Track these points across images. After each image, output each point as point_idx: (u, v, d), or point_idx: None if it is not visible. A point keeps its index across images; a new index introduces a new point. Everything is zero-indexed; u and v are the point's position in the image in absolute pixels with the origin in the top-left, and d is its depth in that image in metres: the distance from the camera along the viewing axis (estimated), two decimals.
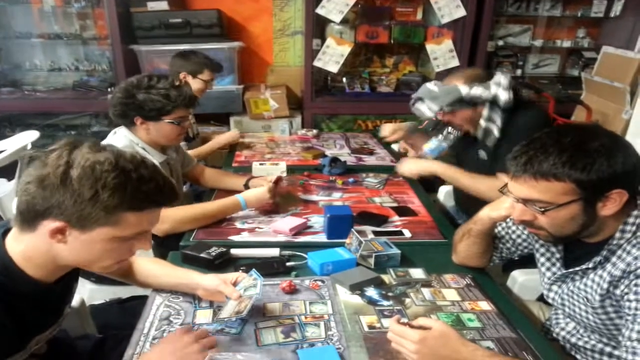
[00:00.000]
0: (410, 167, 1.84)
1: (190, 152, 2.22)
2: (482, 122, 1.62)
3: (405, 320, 0.96)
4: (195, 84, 2.29)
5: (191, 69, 2.31)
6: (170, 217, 1.48)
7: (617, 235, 0.95)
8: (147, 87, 1.54)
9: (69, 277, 0.93)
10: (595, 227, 0.95)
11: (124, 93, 1.54)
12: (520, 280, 1.45)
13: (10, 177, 2.28)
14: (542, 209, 0.94)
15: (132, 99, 1.53)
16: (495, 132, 1.62)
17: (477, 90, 1.58)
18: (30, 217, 0.79)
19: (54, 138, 3.12)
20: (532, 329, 1.08)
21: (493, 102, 1.59)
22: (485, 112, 1.60)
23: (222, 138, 2.48)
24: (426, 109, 1.67)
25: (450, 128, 1.78)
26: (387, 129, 2.23)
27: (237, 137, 2.54)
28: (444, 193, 2.16)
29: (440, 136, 1.84)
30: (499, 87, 1.58)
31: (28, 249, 0.83)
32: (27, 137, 2.32)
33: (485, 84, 1.60)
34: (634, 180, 0.93)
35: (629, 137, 2.50)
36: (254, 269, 1.12)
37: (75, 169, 0.76)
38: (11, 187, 2.25)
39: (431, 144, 1.86)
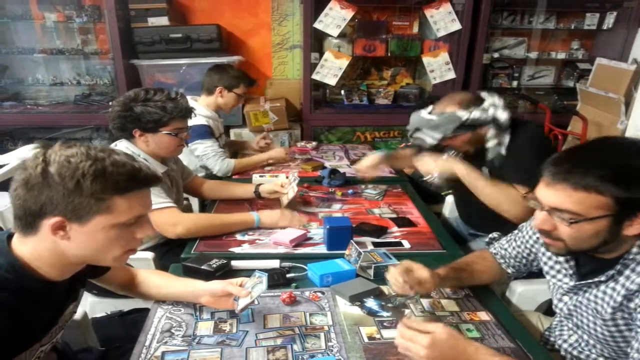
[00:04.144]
0: (429, 164, 1.65)
1: (231, 160, 2.28)
2: (490, 143, 1.62)
3: (414, 318, 0.98)
4: (230, 97, 2.39)
5: (228, 83, 2.38)
6: (186, 221, 1.53)
7: (634, 250, 0.94)
8: (144, 100, 1.57)
9: (75, 277, 0.95)
10: (614, 244, 0.95)
11: (122, 106, 1.57)
12: (519, 291, 1.46)
13: None
14: (571, 221, 0.92)
15: (130, 111, 1.56)
16: (503, 151, 1.62)
17: (476, 114, 1.60)
18: (29, 220, 0.82)
19: None
20: (531, 339, 1.08)
21: (495, 122, 1.60)
22: (490, 132, 1.61)
23: (268, 155, 2.42)
24: (428, 138, 1.64)
25: (451, 151, 1.76)
26: (362, 168, 1.99)
27: (284, 158, 2.42)
28: (449, 207, 2.14)
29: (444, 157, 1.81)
30: (497, 109, 1.61)
31: (36, 250, 0.85)
32: (29, 151, 2.33)
33: (481, 107, 1.61)
34: None
35: None
36: (257, 270, 1.15)
37: (52, 165, 0.80)
38: None
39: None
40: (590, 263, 1.04)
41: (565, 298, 1.10)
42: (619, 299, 0.95)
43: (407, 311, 1.17)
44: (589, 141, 0.97)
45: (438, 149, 1.71)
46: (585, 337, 1.09)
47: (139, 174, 0.86)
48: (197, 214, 1.58)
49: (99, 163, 0.81)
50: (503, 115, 1.60)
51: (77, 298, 1.03)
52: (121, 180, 0.83)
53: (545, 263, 1.16)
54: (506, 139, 1.62)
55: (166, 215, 1.53)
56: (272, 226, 1.63)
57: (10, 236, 0.88)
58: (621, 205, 0.88)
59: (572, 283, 1.08)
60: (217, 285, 1.13)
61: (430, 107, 1.70)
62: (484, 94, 1.66)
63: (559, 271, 1.12)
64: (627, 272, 0.95)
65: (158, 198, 1.52)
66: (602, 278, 0.99)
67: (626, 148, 0.93)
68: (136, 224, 0.89)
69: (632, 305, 0.93)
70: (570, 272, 1.09)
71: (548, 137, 1.62)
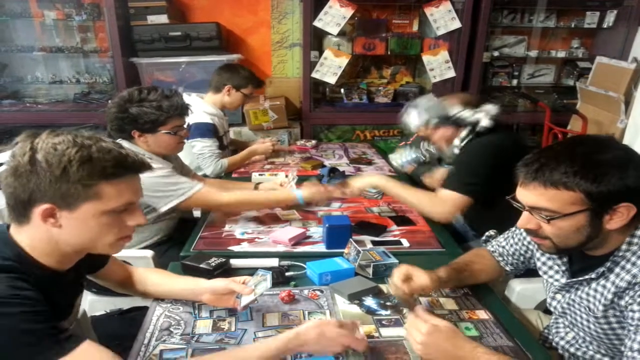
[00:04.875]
0: (356, 185, 1.70)
1: (224, 160, 2.33)
2: (456, 141, 1.69)
3: (422, 308, 1.00)
4: (236, 97, 2.43)
5: (237, 83, 2.42)
6: (229, 203, 1.62)
7: (624, 247, 0.94)
8: (138, 100, 1.56)
9: (78, 268, 0.95)
10: (600, 239, 0.95)
11: (118, 108, 1.56)
12: (518, 289, 1.46)
13: None
14: (548, 218, 0.94)
15: (126, 113, 1.55)
16: (456, 151, 1.69)
17: (466, 114, 1.66)
18: (20, 209, 0.83)
19: None
20: (530, 337, 1.08)
21: (473, 125, 1.65)
22: (463, 133, 1.67)
23: (259, 149, 2.50)
24: (415, 118, 1.75)
25: (426, 143, 1.84)
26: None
27: (269, 150, 2.54)
28: None
29: (413, 147, 1.90)
30: (485, 114, 1.65)
31: (32, 240, 0.86)
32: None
33: (474, 109, 1.66)
34: None
35: None
36: (260, 269, 1.15)
37: (39, 153, 0.81)
38: None
39: (401, 154, 1.94)
40: (581, 260, 1.04)
41: (558, 296, 1.11)
42: (610, 296, 0.95)
43: (405, 310, 1.16)
44: (559, 141, 0.98)
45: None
46: (582, 334, 1.09)
47: (125, 160, 0.86)
48: (235, 194, 1.65)
49: (85, 150, 0.82)
50: (484, 122, 1.64)
51: (82, 291, 1.04)
52: (108, 166, 0.83)
53: (538, 259, 1.16)
54: (465, 142, 1.67)
55: (207, 199, 1.59)
56: (318, 202, 1.71)
57: (8, 228, 0.88)
58: (594, 199, 0.89)
59: (563, 280, 1.08)
60: (219, 283, 1.13)
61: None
62: (489, 104, 1.70)
63: (551, 267, 1.12)
64: (617, 269, 0.95)
65: (187, 183, 1.58)
66: (593, 275, 0.99)
67: (592, 144, 0.94)
68: (127, 211, 0.89)
69: (622, 302, 0.93)
70: (563, 268, 1.09)
71: (510, 149, 1.59)
